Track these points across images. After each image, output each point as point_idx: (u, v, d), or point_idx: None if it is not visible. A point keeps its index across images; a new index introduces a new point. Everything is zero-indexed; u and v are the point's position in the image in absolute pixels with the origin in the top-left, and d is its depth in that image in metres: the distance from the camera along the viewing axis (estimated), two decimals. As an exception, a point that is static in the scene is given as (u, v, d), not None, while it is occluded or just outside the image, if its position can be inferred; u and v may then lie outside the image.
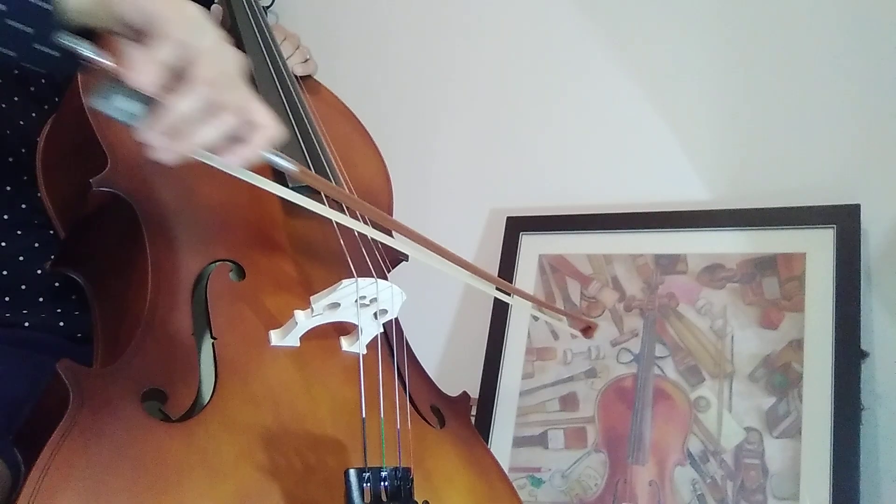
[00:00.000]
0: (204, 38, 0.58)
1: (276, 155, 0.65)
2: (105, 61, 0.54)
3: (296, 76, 1.09)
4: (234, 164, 0.62)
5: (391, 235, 0.87)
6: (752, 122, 1.23)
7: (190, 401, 0.67)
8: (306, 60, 1.14)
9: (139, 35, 0.58)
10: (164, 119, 0.57)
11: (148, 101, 0.56)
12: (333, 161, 0.97)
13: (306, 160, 0.92)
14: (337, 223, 0.85)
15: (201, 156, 0.62)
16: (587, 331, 1.00)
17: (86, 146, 0.78)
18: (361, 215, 0.88)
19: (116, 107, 0.56)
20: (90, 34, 0.59)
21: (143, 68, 0.55)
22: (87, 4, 0.58)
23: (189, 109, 0.57)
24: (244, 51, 1.02)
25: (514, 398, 1.23)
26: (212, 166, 0.66)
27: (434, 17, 1.51)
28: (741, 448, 1.07)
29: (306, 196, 0.77)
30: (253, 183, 0.71)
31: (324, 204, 0.80)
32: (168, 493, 0.60)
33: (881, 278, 1.11)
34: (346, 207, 0.87)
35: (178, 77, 0.57)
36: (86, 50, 0.54)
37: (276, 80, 1.01)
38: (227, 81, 0.60)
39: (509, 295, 1.07)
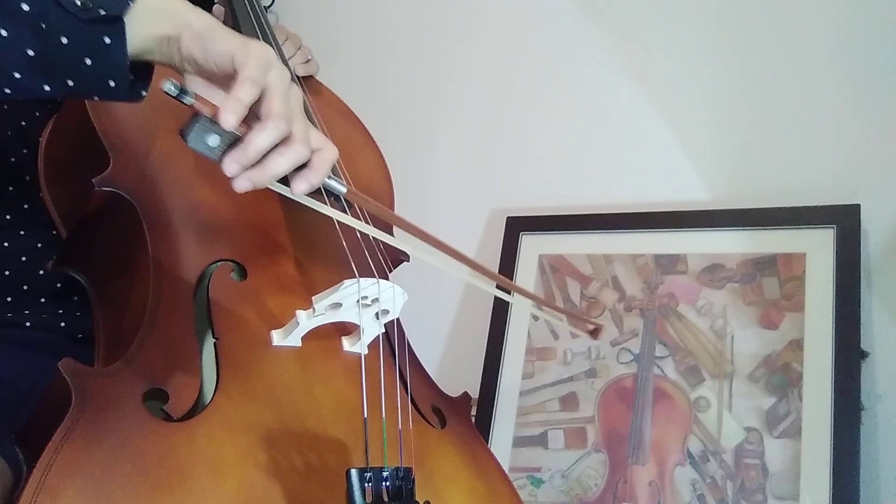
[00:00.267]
0: (272, 73, 0.62)
1: (333, 179, 0.69)
2: (199, 104, 0.59)
3: (297, 76, 1.09)
4: (303, 190, 0.65)
5: (392, 234, 0.87)
6: (752, 122, 1.24)
7: (192, 400, 0.67)
8: (308, 61, 1.14)
9: (204, 72, 0.62)
10: (245, 152, 0.60)
11: (230, 136, 0.61)
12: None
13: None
14: (339, 223, 0.85)
15: (274, 185, 0.66)
16: (595, 332, 1.01)
17: (88, 146, 0.78)
18: (363, 214, 0.88)
19: (205, 143, 0.60)
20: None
21: (233, 110, 0.58)
22: (152, 42, 0.61)
23: (266, 143, 0.61)
24: None
25: (514, 398, 1.23)
26: (208, 164, 0.66)
27: (434, 16, 1.51)
28: (741, 448, 1.07)
29: (308, 195, 0.77)
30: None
31: (326, 203, 0.80)
32: (170, 492, 0.60)
33: (881, 278, 1.11)
34: (349, 207, 0.87)
35: (254, 113, 0.61)
36: (184, 93, 0.58)
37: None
38: (294, 114, 0.63)
39: (510, 293, 1.07)
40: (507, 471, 0.92)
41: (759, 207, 1.17)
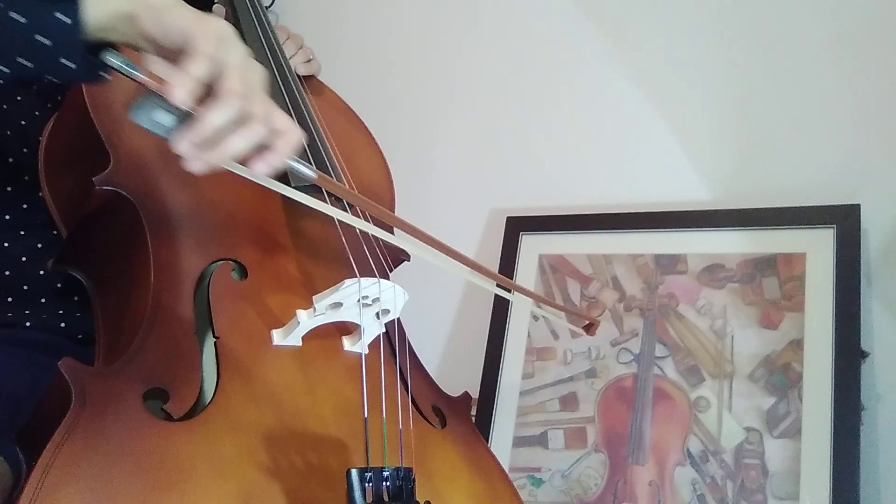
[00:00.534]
0: (231, 51, 0.61)
1: (297, 161, 0.67)
2: (149, 79, 0.57)
3: (299, 76, 1.09)
4: (262, 172, 0.64)
5: (392, 234, 0.87)
6: (752, 122, 1.24)
7: (192, 400, 0.67)
8: (309, 60, 1.14)
9: (168, 52, 0.60)
10: (198, 131, 0.59)
11: (182, 114, 0.59)
12: (336, 161, 0.97)
13: (309, 160, 0.92)
14: (339, 222, 0.85)
15: (231, 166, 0.64)
16: (590, 328, 1.01)
17: (89, 145, 0.78)
18: (363, 213, 0.88)
19: (155, 121, 0.58)
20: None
21: (179, 84, 0.57)
22: (109, 20, 0.60)
23: (220, 121, 0.59)
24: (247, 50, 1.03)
25: (514, 398, 1.23)
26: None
27: (435, 16, 1.51)
28: (741, 448, 1.07)
29: (309, 194, 0.77)
30: (256, 181, 0.71)
31: (326, 202, 0.80)
32: (170, 491, 0.60)
33: (881, 278, 1.11)
34: (349, 206, 0.87)
35: (208, 90, 0.59)
36: (130, 67, 0.57)
37: (279, 79, 1.01)
38: (253, 93, 0.61)
39: (510, 291, 1.07)
40: (507, 471, 0.91)
41: (759, 207, 1.17)
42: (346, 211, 0.84)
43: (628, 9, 1.34)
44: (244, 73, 0.61)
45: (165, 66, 0.61)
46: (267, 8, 1.14)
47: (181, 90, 0.57)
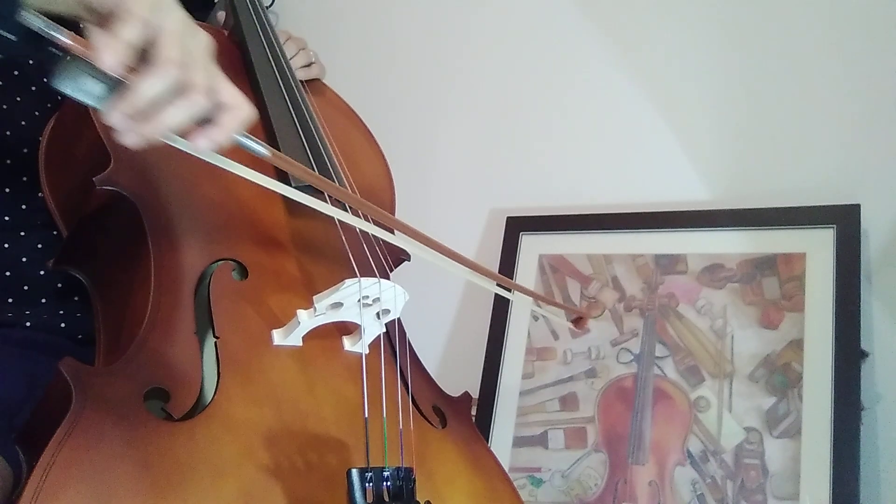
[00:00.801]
0: (168, 17, 0.57)
1: (248, 138, 0.64)
2: (69, 41, 0.53)
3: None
4: (204, 147, 0.61)
5: (393, 234, 0.87)
6: (752, 122, 1.24)
7: (192, 400, 0.67)
8: (311, 63, 1.14)
9: (103, 19, 0.57)
10: (130, 100, 0.56)
11: (113, 83, 0.55)
12: (336, 161, 0.97)
13: (310, 160, 0.92)
14: (340, 222, 0.85)
15: (170, 139, 0.61)
16: (579, 321, 1.01)
17: (89, 145, 0.78)
18: (363, 213, 0.88)
19: (82, 89, 0.55)
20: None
21: (107, 48, 0.53)
22: None
23: (154, 90, 0.56)
24: (248, 52, 1.03)
25: (514, 398, 1.23)
26: (210, 164, 0.66)
27: (435, 17, 1.51)
28: (741, 448, 1.07)
29: (309, 195, 0.77)
30: (256, 182, 0.71)
31: (326, 202, 0.80)
32: (171, 491, 0.60)
33: (881, 278, 1.11)
34: (349, 206, 0.87)
35: (143, 58, 0.56)
36: (50, 28, 0.53)
37: (279, 80, 1.01)
38: (193, 62, 0.58)
39: (510, 291, 1.07)
40: (507, 471, 0.92)
41: (759, 207, 1.17)
42: (346, 211, 0.84)
43: (628, 9, 1.34)
44: (183, 41, 0.58)
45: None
46: (267, 8, 1.14)
47: (108, 55, 0.53)
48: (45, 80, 0.93)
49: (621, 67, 1.33)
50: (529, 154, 1.39)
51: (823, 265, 1.11)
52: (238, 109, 0.61)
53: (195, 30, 0.60)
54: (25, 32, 0.54)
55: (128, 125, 0.57)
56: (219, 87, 0.60)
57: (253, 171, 0.70)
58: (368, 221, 0.85)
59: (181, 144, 0.62)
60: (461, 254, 0.86)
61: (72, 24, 0.57)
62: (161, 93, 0.56)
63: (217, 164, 0.67)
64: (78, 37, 0.54)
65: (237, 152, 0.68)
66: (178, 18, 0.58)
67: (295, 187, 0.78)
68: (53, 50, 0.55)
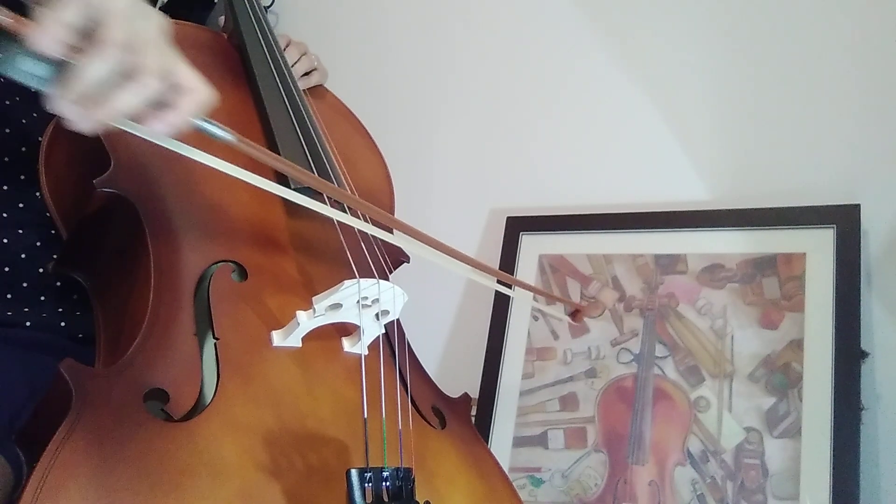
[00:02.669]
0: None
1: (209, 122, 0.62)
2: (9, 20, 0.51)
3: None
4: (161, 132, 0.59)
5: (392, 235, 0.87)
6: (751, 122, 1.24)
7: (192, 401, 0.67)
8: (313, 70, 1.14)
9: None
10: (76, 84, 0.53)
11: (56, 65, 0.53)
12: (336, 162, 0.97)
13: (309, 162, 0.92)
14: (339, 223, 0.85)
15: (125, 124, 0.59)
16: (576, 314, 1.00)
17: (89, 147, 0.79)
18: (363, 214, 0.88)
19: (22, 70, 0.52)
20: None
21: (45, 27, 0.51)
22: None
23: (99, 73, 0.54)
24: (247, 53, 1.03)
25: (514, 398, 1.23)
26: (210, 166, 0.66)
27: (434, 16, 1.51)
28: (741, 448, 1.07)
29: (308, 196, 0.77)
30: (254, 184, 0.72)
31: (325, 204, 0.80)
32: (170, 493, 0.60)
33: (881, 278, 1.11)
34: (348, 207, 0.87)
35: (89, 39, 0.54)
36: None
37: (279, 83, 1.01)
38: (143, 43, 0.56)
39: (510, 287, 1.07)
40: (507, 471, 0.92)
41: (759, 207, 1.17)
42: (345, 213, 0.84)
43: (628, 9, 1.34)
44: (130, 22, 0.55)
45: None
46: (267, 8, 1.14)
47: (44, 35, 0.51)
48: None
49: (621, 67, 1.33)
50: (529, 154, 1.39)
51: (823, 265, 1.11)
52: (196, 92, 0.59)
53: (147, 11, 0.58)
54: None
55: (76, 110, 0.55)
56: (174, 70, 0.58)
57: (252, 174, 0.71)
58: (367, 222, 0.85)
59: (141, 131, 0.60)
60: (459, 251, 0.86)
61: (20, 6, 0.55)
62: (107, 75, 0.54)
63: (217, 166, 0.67)
64: (16, 15, 0.52)
65: (235, 155, 0.69)
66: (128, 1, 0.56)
67: (294, 189, 0.79)
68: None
